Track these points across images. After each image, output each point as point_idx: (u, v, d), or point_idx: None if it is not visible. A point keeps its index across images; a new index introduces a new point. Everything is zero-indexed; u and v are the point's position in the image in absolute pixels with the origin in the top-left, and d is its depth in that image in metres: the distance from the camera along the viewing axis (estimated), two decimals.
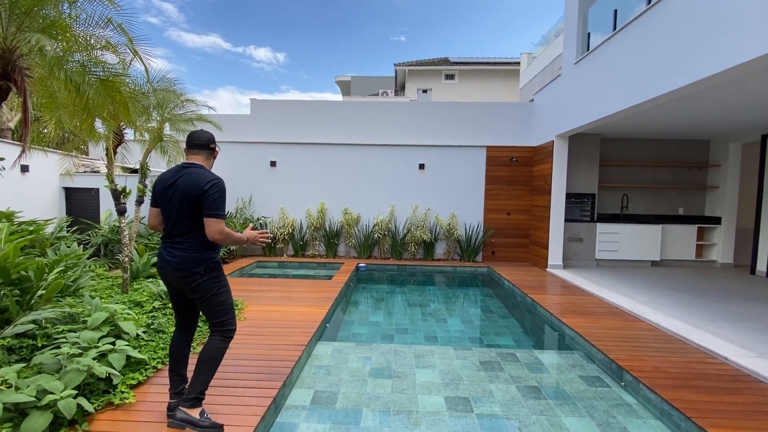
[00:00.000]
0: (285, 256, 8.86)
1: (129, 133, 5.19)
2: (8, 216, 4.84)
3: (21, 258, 3.45)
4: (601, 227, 8.00)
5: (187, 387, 2.36)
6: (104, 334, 2.84)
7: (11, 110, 10.78)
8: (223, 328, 2.37)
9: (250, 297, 5.17)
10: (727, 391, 2.88)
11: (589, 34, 6.66)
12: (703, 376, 3.12)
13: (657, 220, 8.35)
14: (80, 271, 4.30)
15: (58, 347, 2.64)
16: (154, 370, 2.95)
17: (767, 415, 2.60)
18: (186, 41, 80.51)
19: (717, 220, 8.21)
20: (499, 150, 8.78)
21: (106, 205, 8.14)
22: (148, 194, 7.96)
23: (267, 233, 2.47)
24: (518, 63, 17.79)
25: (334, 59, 63.19)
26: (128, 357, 2.77)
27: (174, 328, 2.56)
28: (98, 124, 4.74)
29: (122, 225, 4.78)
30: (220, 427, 2.28)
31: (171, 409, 2.40)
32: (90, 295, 3.75)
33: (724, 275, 7.26)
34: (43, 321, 3.01)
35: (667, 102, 4.81)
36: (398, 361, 3.60)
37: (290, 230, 8.73)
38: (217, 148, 2.49)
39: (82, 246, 6.15)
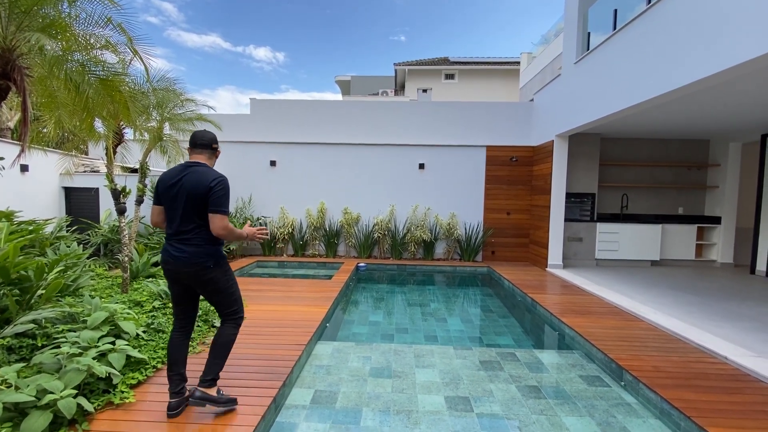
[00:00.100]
0: (285, 255, 8.86)
1: (129, 133, 5.19)
2: (8, 215, 4.83)
3: (21, 257, 3.45)
4: (600, 227, 8.01)
5: (204, 370, 2.49)
6: (104, 333, 2.84)
7: (11, 110, 10.77)
8: (235, 316, 2.55)
9: (250, 296, 5.17)
10: (726, 391, 2.88)
11: (589, 33, 6.66)
12: (703, 375, 3.12)
13: (657, 219, 8.35)
14: (80, 271, 4.30)
15: (58, 347, 2.64)
16: (154, 369, 2.94)
17: (767, 414, 2.60)
18: (186, 41, 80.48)
19: (717, 220, 8.22)
20: (499, 150, 8.78)
21: (106, 204, 8.14)
22: (148, 194, 7.97)
23: (265, 230, 2.57)
24: (518, 63, 17.79)
25: (333, 59, 63.19)
26: (128, 357, 2.77)
27: (172, 328, 2.57)
28: (98, 124, 4.74)
29: (122, 225, 4.77)
30: (234, 400, 2.53)
31: (172, 408, 2.41)
32: (90, 295, 3.75)
33: (723, 275, 7.27)
34: (43, 321, 3.01)
35: (667, 102, 4.81)
36: (398, 361, 3.60)
37: (290, 230, 8.73)
38: (219, 148, 2.58)
39: (81, 246, 6.14)
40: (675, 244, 8.14)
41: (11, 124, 10.98)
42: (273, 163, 8.98)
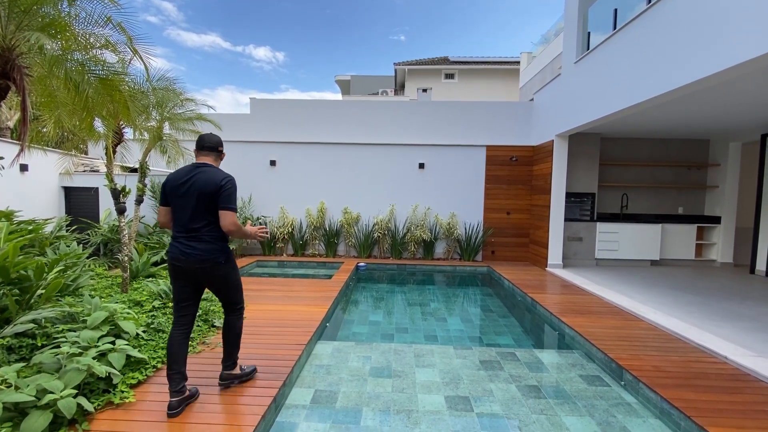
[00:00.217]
0: (285, 255, 8.86)
1: (128, 132, 5.18)
2: (7, 215, 4.83)
3: (20, 257, 3.45)
4: (600, 227, 8.01)
5: (223, 358, 2.77)
6: (104, 333, 2.83)
7: (10, 109, 10.76)
8: (239, 306, 2.77)
9: (249, 296, 5.16)
10: (726, 390, 2.88)
11: (589, 33, 6.66)
12: (703, 375, 3.12)
13: (657, 219, 8.35)
14: (80, 271, 4.30)
15: (58, 347, 2.64)
16: (154, 369, 2.94)
17: (767, 414, 2.60)
18: (185, 40, 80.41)
19: (717, 220, 8.22)
20: (499, 149, 8.78)
21: (106, 204, 8.14)
22: (148, 193, 7.98)
23: (265, 229, 2.71)
24: (518, 62, 17.78)
25: (333, 58, 63.16)
26: (128, 356, 2.77)
27: (172, 327, 2.57)
28: (98, 123, 4.73)
29: (122, 224, 4.77)
30: (255, 368, 2.95)
31: (172, 408, 2.41)
32: (90, 295, 3.75)
33: (723, 274, 7.27)
34: (43, 320, 3.01)
35: (667, 101, 4.81)
36: (398, 361, 3.60)
37: (290, 229, 8.73)
38: (224, 151, 2.72)
39: (81, 245, 6.14)
40: (675, 243, 8.14)
41: (11, 124, 10.97)
42: (273, 163, 8.97)
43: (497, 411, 2.80)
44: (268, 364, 3.15)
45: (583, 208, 8.15)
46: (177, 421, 2.36)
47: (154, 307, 4.06)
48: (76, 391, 2.25)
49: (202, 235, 2.46)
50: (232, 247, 8.27)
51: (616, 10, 5.78)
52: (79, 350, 2.53)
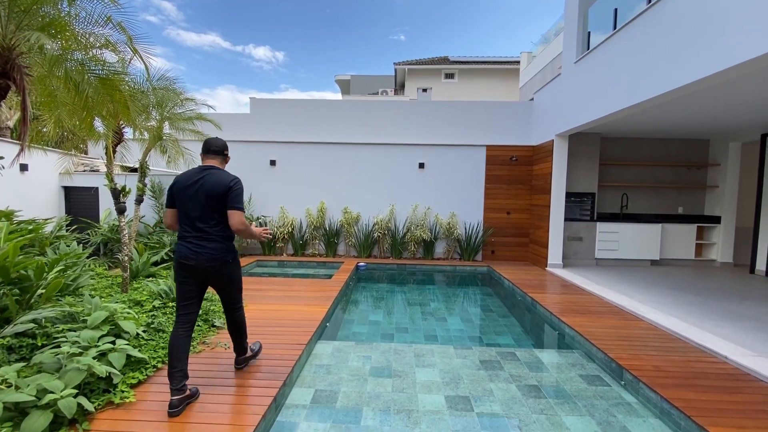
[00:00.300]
0: (285, 255, 8.86)
1: (128, 132, 5.18)
2: (7, 215, 4.83)
3: (20, 257, 3.45)
4: (600, 226, 8.01)
5: (234, 348, 3.03)
6: (104, 333, 2.83)
7: (10, 109, 10.76)
8: (240, 303, 2.94)
9: (250, 296, 5.16)
10: (726, 390, 2.88)
11: (589, 33, 6.66)
12: (703, 375, 3.12)
13: (657, 219, 8.35)
14: (80, 270, 4.30)
15: (58, 346, 2.64)
16: (155, 369, 2.94)
17: (767, 414, 2.60)
18: (185, 40, 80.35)
19: (716, 220, 8.22)
20: (499, 149, 8.77)
21: (106, 204, 8.13)
22: (148, 193, 7.98)
23: (269, 230, 2.87)
24: (518, 62, 17.78)
25: (333, 58, 63.15)
26: (128, 356, 2.77)
27: (175, 325, 2.59)
28: (98, 123, 4.73)
29: (122, 224, 4.77)
30: (259, 343, 3.38)
31: (173, 406, 2.41)
32: (90, 294, 3.74)
33: (723, 274, 7.27)
34: (43, 320, 3.01)
35: (667, 101, 4.81)
36: (398, 360, 3.60)
37: (290, 229, 8.73)
38: (229, 154, 2.83)
39: (81, 245, 6.14)
40: (675, 243, 8.15)
41: (10, 123, 10.97)
42: (273, 163, 8.97)
43: (497, 411, 2.80)
44: (269, 364, 3.15)
45: (583, 207, 8.15)
46: (177, 420, 2.36)
47: (154, 306, 4.06)
48: (76, 391, 2.25)
49: (211, 235, 2.56)
50: None
51: (616, 9, 5.78)
52: (80, 350, 2.53)
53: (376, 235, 8.63)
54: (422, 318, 5.11)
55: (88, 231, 7.27)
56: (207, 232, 2.55)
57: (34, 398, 2.09)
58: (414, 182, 8.88)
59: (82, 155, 9.26)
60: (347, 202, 8.88)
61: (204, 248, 2.53)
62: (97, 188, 8.14)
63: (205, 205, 2.52)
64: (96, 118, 4.39)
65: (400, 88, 22.68)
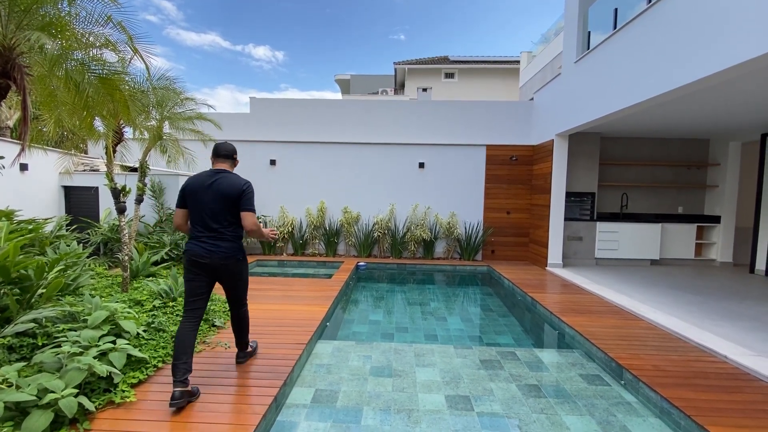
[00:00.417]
0: (285, 254, 8.86)
1: (128, 132, 5.17)
2: (8, 215, 4.83)
3: (21, 257, 3.45)
4: (600, 226, 8.01)
5: (237, 343, 3.17)
6: (105, 332, 2.84)
7: (10, 108, 10.75)
8: (245, 299, 3.11)
9: (250, 296, 5.10)
10: (726, 390, 2.89)
11: (589, 32, 6.66)
12: (703, 374, 3.13)
13: (656, 218, 8.36)
14: (80, 270, 4.30)
15: (59, 346, 2.64)
16: (155, 368, 2.94)
17: (767, 413, 2.61)
18: (185, 39, 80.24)
19: (716, 219, 8.22)
20: (499, 149, 8.78)
21: (106, 203, 8.13)
22: (148, 193, 7.97)
23: (275, 231, 2.96)
24: (518, 62, 17.77)
25: (333, 58, 63.09)
26: (129, 356, 2.77)
27: (182, 320, 2.66)
28: (98, 123, 4.73)
29: (122, 224, 4.77)
30: (256, 344, 3.44)
31: (175, 398, 2.43)
32: (90, 294, 3.75)
33: (723, 274, 7.28)
34: (44, 320, 3.01)
35: (667, 101, 4.81)
36: (398, 360, 3.60)
37: (290, 229, 8.73)
38: (237, 159, 2.97)
39: (81, 245, 6.14)
40: (675, 243, 8.15)
41: (11, 123, 10.96)
42: (273, 162, 8.97)
43: (497, 410, 2.80)
44: (269, 364, 3.16)
45: (583, 207, 8.16)
46: (178, 420, 2.37)
47: (154, 306, 4.06)
48: (77, 391, 2.25)
49: (225, 235, 2.69)
50: None
51: (616, 9, 5.78)
52: (80, 349, 2.54)
53: (376, 234, 8.63)
54: (422, 317, 5.11)
55: (88, 231, 7.27)
56: (220, 232, 2.68)
57: (34, 398, 2.09)
58: (414, 182, 8.88)
59: (82, 155, 9.26)
60: (347, 201, 8.88)
61: (218, 247, 2.67)
62: (97, 188, 8.13)
63: (218, 206, 2.65)
64: (96, 118, 4.39)
65: (400, 87, 22.67)
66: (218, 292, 4.67)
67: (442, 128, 8.85)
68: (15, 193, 6.90)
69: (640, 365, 3.25)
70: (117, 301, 3.89)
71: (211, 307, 4.29)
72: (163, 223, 7.58)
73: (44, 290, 3.31)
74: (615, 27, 5.58)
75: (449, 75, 20.42)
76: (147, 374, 2.83)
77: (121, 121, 4.66)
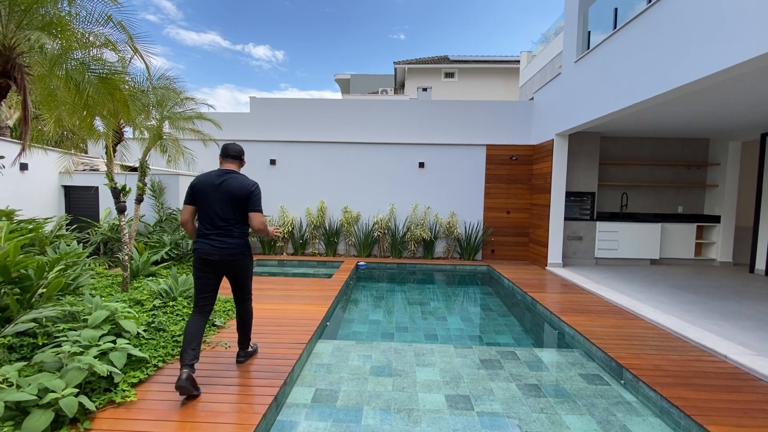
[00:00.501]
0: (285, 254, 8.86)
1: (128, 131, 5.17)
2: (8, 214, 4.83)
3: (21, 256, 3.44)
4: (600, 226, 8.01)
5: (239, 340, 3.17)
6: (105, 332, 2.84)
7: (10, 108, 10.74)
8: (250, 295, 3.12)
9: None
10: (726, 389, 2.89)
11: (589, 32, 6.66)
12: (703, 374, 3.13)
13: (656, 218, 8.36)
14: (80, 270, 4.30)
15: (59, 345, 2.64)
16: (155, 368, 2.95)
17: (766, 413, 2.61)
18: (185, 39, 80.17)
19: (716, 219, 8.23)
20: (499, 148, 8.78)
21: (106, 203, 8.12)
22: (148, 192, 7.97)
23: (278, 229, 3.14)
24: (518, 61, 17.77)
25: (333, 57, 63.10)
26: (129, 355, 2.78)
27: (192, 314, 2.81)
28: (98, 122, 4.73)
29: (122, 223, 4.77)
30: (256, 346, 3.39)
31: (180, 380, 2.51)
32: (90, 294, 3.75)
33: (723, 273, 7.28)
34: (44, 319, 3.01)
35: (667, 100, 4.82)
36: (398, 360, 3.60)
37: (290, 229, 8.73)
38: (245, 159, 3.09)
39: (81, 244, 6.13)
40: (674, 242, 8.15)
41: (11, 123, 10.96)
42: (273, 162, 8.97)
43: (497, 410, 2.81)
44: (269, 363, 3.16)
45: (582, 207, 8.16)
46: (178, 419, 2.37)
47: (154, 306, 4.06)
48: (77, 390, 2.25)
49: (232, 232, 2.80)
50: None
51: (616, 9, 5.78)
52: (81, 349, 2.54)
53: (376, 234, 8.63)
54: (422, 317, 5.12)
55: (88, 230, 7.26)
56: (228, 229, 2.79)
57: (35, 397, 2.10)
58: (414, 181, 8.88)
59: (82, 154, 9.26)
60: (347, 201, 8.88)
61: (226, 244, 2.77)
62: (97, 187, 8.13)
63: (227, 205, 2.76)
64: (96, 118, 4.39)
65: (400, 87, 22.66)
66: (219, 291, 4.66)
67: (442, 128, 8.85)
68: (15, 192, 6.90)
69: (639, 365, 3.25)
70: (117, 301, 3.89)
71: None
72: (163, 223, 7.58)
73: (44, 290, 3.31)
74: (615, 27, 5.58)
75: (449, 74, 20.40)
76: (147, 374, 2.84)
77: (121, 121, 4.66)
